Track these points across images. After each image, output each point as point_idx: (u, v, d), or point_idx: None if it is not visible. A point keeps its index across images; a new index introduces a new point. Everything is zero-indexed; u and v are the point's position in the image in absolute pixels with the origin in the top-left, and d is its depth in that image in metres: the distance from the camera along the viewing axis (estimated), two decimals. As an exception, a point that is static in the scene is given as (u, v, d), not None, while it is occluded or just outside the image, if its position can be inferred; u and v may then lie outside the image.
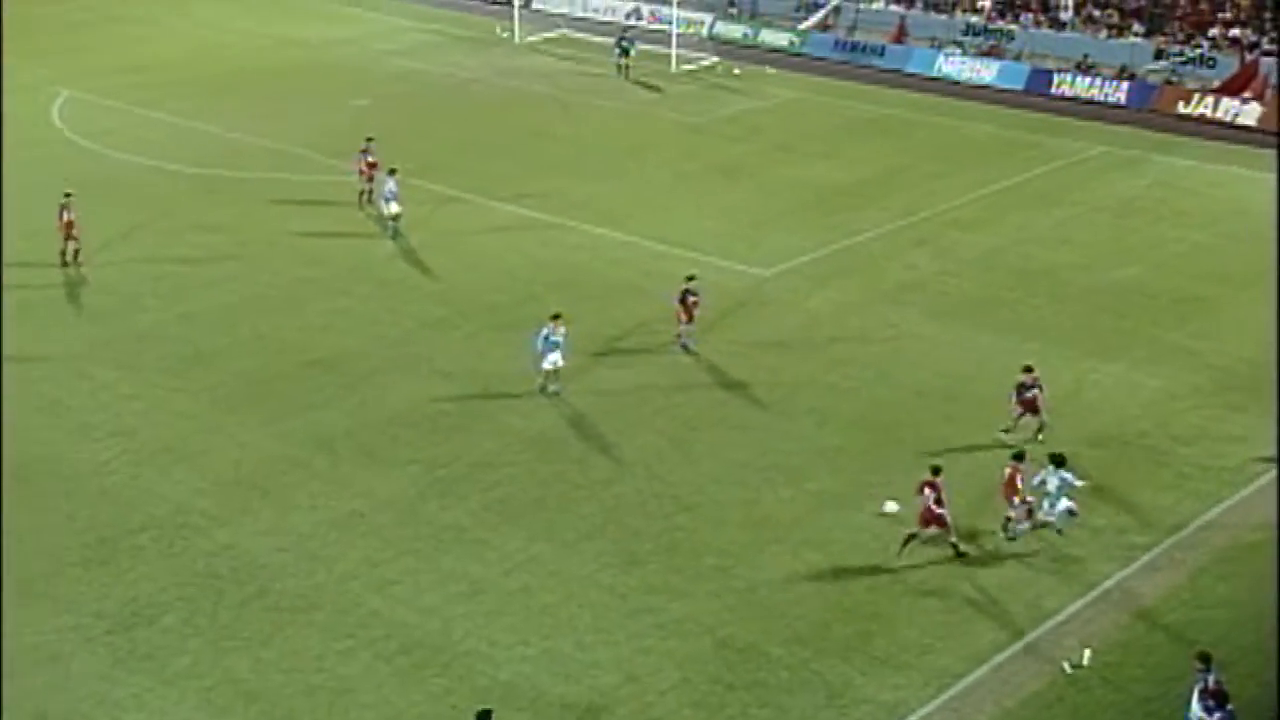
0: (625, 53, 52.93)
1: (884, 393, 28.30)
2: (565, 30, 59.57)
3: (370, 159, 38.51)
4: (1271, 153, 43.47)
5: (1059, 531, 23.05)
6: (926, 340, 30.58)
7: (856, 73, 54.05)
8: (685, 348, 29.39)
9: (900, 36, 56.10)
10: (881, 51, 55.15)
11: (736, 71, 53.47)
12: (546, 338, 27.37)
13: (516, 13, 58.80)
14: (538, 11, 62.44)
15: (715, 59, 54.97)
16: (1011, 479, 22.81)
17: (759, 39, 58.19)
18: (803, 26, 57.99)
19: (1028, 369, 26.08)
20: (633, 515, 23.98)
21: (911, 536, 22.46)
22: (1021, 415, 26.01)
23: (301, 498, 24.48)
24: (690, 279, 29.89)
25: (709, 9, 59.74)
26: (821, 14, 58.16)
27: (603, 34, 58.33)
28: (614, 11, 61.94)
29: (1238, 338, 30.57)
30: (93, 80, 50.25)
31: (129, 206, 38.02)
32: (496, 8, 63.96)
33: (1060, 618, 21.26)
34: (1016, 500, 22.84)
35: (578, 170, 42.13)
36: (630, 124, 47.29)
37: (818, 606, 21.56)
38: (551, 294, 32.83)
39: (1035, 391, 25.80)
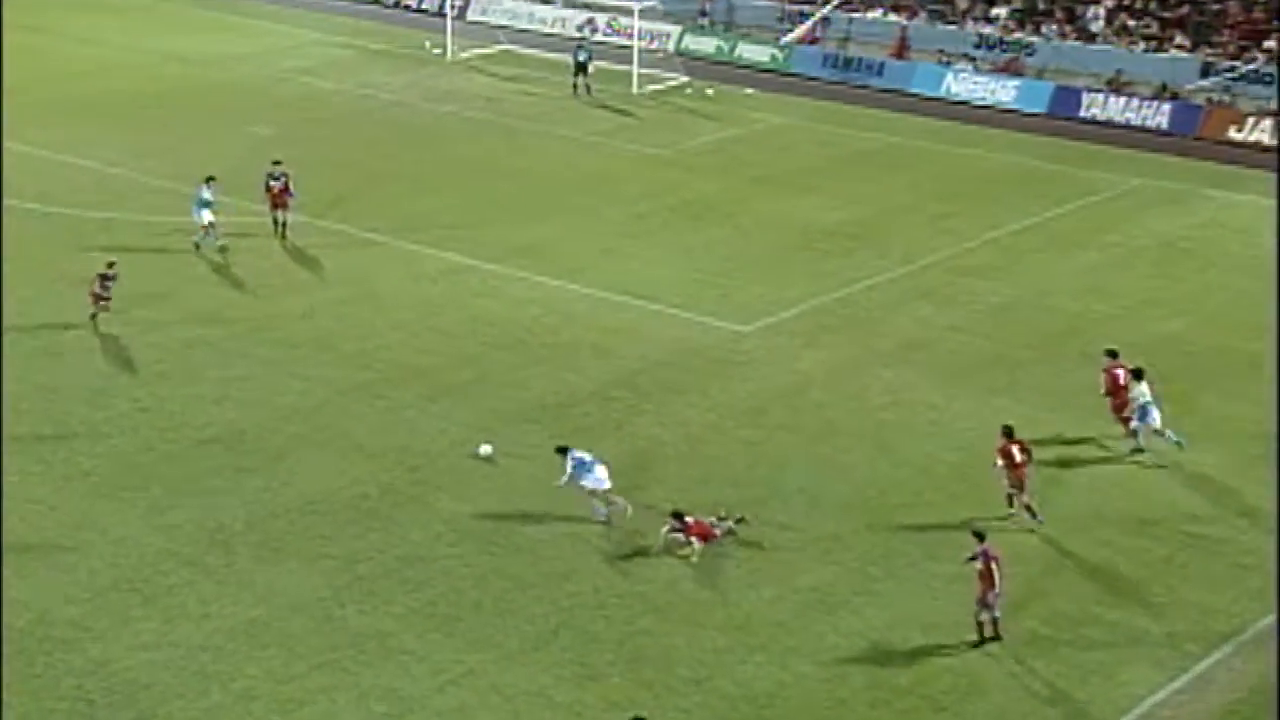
0: (582, 68, 53.49)
1: (885, 469, 28.56)
2: (507, 45, 60.22)
3: (279, 183, 38.82)
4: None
5: (1179, 443, 28.45)
6: (933, 408, 30.94)
7: (851, 94, 54.76)
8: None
9: (901, 51, 56.99)
10: (880, 69, 55.98)
11: (710, 92, 54.05)
12: (581, 461, 26.55)
13: (449, 25, 59.38)
14: (475, 24, 63.08)
15: (685, 78, 55.55)
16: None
17: (736, 54, 58.93)
18: (787, 40, 58.83)
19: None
20: (590, 618, 24.05)
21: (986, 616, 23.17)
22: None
23: (191, 603, 24.41)
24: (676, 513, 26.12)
25: (677, 20, 60.51)
26: (808, 25, 59.04)
27: (552, 49, 58.98)
28: (564, 23, 62.67)
29: (1301, 403, 31.04)
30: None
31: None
32: (424, 19, 64.60)
33: (1099, 738, 21.43)
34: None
35: (524, 210, 42.50)
36: (585, 155, 47.72)
37: (810, 726, 21.66)
38: (494, 354, 33.07)
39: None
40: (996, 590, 22.97)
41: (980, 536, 23.40)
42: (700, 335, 34.28)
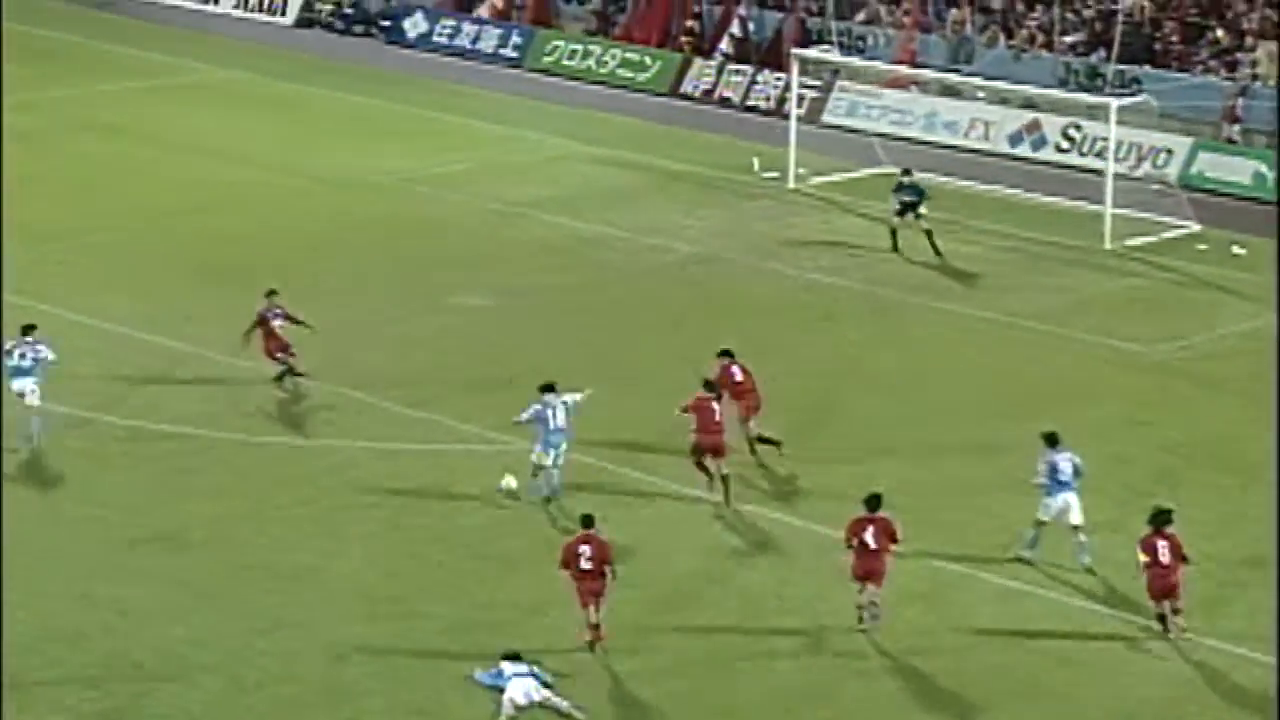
0: (910, 208, 53.79)
1: None
2: (888, 165, 60.41)
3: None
4: None
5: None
6: None
7: None
8: None
9: None
10: None
11: (1239, 250, 53.97)
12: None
13: (793, 131, 60.45)
14: (834, 129, 64.25)
15: (1194, 224, 55.84)
16: None
17: (1289, 186, 58.82)
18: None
19: None
20: None
21: None
22: None
23: None
24: None
25: (1185, 128, 61.13)
26: None
27: (963, 172, 59.36)
28: (987, 129, 63.44)
29: None
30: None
31: (31, 490, 39.20)
32: (753, 122, 66.21)
33: None
34: None
35: (910, 448, 42.01)
36: (1014, 351, 47.87)
37: None
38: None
39: None
40: None
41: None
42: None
